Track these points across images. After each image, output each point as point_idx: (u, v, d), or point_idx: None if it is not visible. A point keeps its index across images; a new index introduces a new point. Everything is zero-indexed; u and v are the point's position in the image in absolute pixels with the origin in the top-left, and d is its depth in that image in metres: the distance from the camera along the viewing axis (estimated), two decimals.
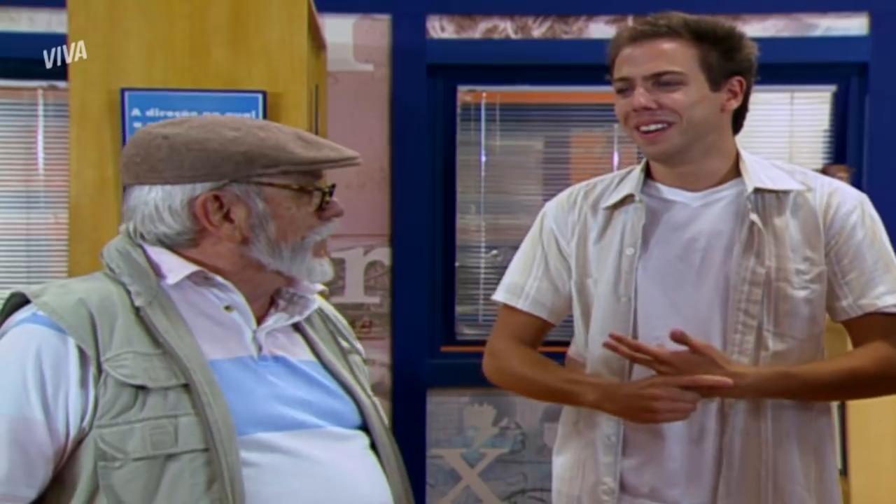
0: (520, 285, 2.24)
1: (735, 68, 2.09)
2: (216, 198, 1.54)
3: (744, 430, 2.07)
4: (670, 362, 1.99)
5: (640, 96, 2.04)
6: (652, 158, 2.14)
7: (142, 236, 1.59)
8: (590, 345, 2.17)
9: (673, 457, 2.10)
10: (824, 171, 3.79)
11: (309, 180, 1.58)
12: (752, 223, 2.07)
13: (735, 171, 2.14)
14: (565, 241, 2.21)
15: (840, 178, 3.73)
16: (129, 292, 1.53)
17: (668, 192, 2.14)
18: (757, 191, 2.09)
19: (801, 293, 2.08)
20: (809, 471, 2.12)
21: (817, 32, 4.14)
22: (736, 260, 2.06)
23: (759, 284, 2.05)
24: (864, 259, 2.10)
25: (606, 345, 2.02)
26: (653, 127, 2.05)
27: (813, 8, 4.13)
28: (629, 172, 2.23)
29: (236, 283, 1.58)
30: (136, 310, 1.52)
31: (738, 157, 2.15)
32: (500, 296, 2.27)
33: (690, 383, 1.97)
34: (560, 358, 2.30)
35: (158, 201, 1.56)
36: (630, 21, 4.10)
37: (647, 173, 2.19)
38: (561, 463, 2.26)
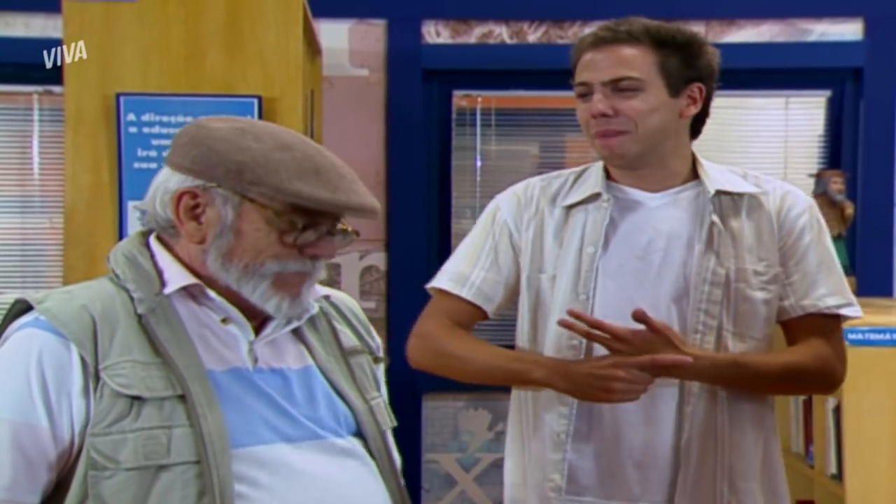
0: (465, 274, 2.21)
1: (695, 75, 2.10)
2: (193, 195, 1.54)
3: (702, 426, 2.08)
4: (629, 340, 1.98)
5: (599, 102, 2.05)
6: (608, 164, 2.16)
7: (147, 223, 1.59)
8: (546, 340, 2.15)
9: (629, 454, 2.09)
10: (819, 177, 3.81)
11: (296, 213, 1.52)
12: (713, 224, 2.09)
13: (693, 174, 2.16)
14: (518, 235, 2.20)
15: (835, 183, 3.74)
16: (132, 298, 1.52)
17: (628, 192, 2.15)
18: (717, 193, 2.11)
19: (760, 294, 2.11)
20: (759, 465, 2.14)
21: (812, 37, 4.15)
22: (696, 260, 2.08)
23: (719, 285, 2.07)
24: (808, 261, 2.13)
25: (562, 322, 2.01)
26: (612, 128, 2.06)
27: (808, 13, 4.14)
28: (585, 170, 2.23)
29: (228, 298, 1.57)
30: (139, 317, 1.51)
31: (694, 160, 2.18)
32: (442, 283, 2.23)
33: (650, 363, 1.97)
34: None
35: (161, 182, 1.57)
36: None
37: (607, 173, 2.19)
38: (510, 468, 2.24)
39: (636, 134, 2.06)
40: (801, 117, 4.32)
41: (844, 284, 2.17)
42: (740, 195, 2.13)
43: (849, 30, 4.14)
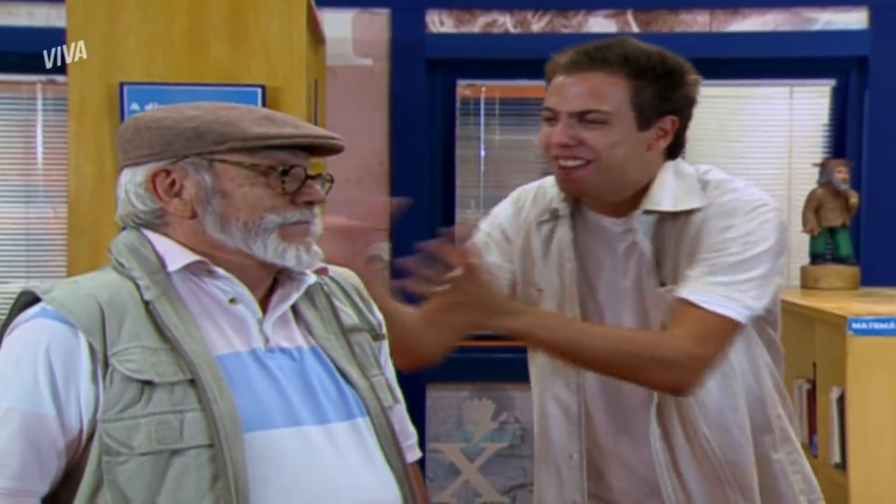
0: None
1: (669, 107, 1.99)
2: (167, 173, 1.55)
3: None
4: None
5: (560, 133, 1.97)
6: (565, 193, 2.07)
7: (133, 222, 1.60)
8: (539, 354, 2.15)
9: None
10: (823, 166, 3.80)
11: (269, 160, 1.55)
12: (635, 246, 2.02)
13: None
14: (511, 240, 2.16)
15: (839, 173, 3.74)
16: (138, 286, 1.53)
17: (592, 216, 2.08)
18: (650, 213, 2.00)
19: None
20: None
21: (817, 26, 4.14)
22: (643, 283, 2.02)
23: (657, 308, 2.00)
24: (714, 254, 1.95)
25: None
26: (570, 163, 1.97)
27: (812, 2, 4.13)
28: None
29: (234, 273, 1.57)
30: (146, 304, 1.51)
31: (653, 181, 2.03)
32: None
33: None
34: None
35: (127, 184, 1.59)
36: (629, 16, 4.10)
37: None
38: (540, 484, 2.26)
39: (599, 164, 1.96)
40: (806, 106, 4.32)
41: (723, 279, 1.93)
42: (678, 214, 2.00)
43: (853, 19, 4.14)
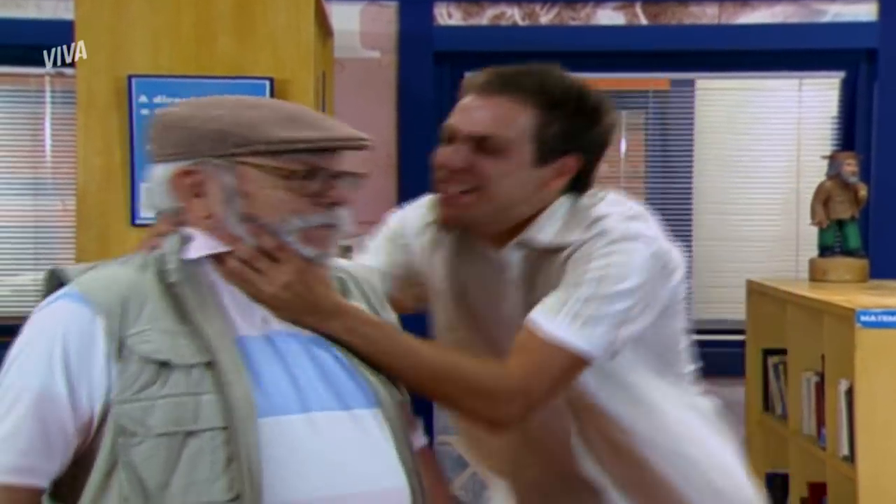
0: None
1: (573, 146, 1.86)
2: (191, 173, 1.56)
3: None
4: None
5: (452, 155, 1.88)
6: (444, 222, 1.95)
7: (156, 214, 1.63)
8: None
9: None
10: (832, 158, 3.80)
11: (292, 162, 1.54)
12: (511, 278, 1.91)
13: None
14: (412, 247, 2.05)
15: (848, 165, 3.73)
16: (161, 271, 1.55)
17: (473, 241, 1.97)
18: (522, 246, 1.89)
19: None
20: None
21: (826, 18, 4.13)
22: (520, 315, 1.86)
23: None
24: (570, 288, 1.81)
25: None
26: (454, 188, 1.87)
27: None
28: None
29: None
30: (168, 288, 1.53)
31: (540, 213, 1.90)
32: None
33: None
34: None
35: (154, 179, 1.61)
36: (637, 9, 4.09)
37: None
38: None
39: (484, 194, 1.85)
40: (815, 99, 4.31)
41: (570, 312, 1.79)
42: (548, 250, 1.87)
43: (863, 10, 4.12)
